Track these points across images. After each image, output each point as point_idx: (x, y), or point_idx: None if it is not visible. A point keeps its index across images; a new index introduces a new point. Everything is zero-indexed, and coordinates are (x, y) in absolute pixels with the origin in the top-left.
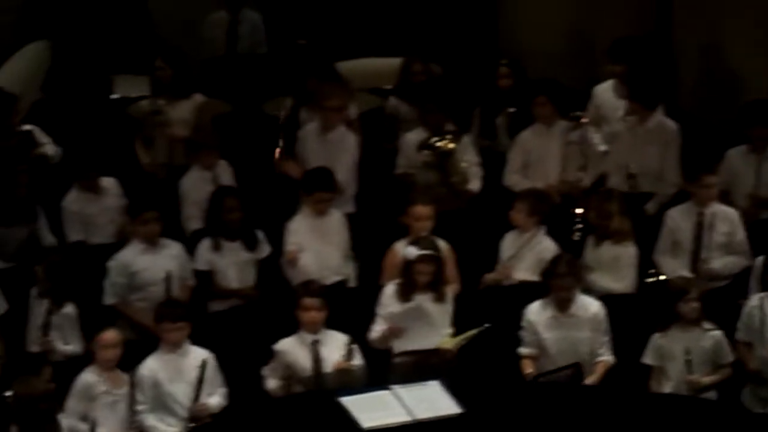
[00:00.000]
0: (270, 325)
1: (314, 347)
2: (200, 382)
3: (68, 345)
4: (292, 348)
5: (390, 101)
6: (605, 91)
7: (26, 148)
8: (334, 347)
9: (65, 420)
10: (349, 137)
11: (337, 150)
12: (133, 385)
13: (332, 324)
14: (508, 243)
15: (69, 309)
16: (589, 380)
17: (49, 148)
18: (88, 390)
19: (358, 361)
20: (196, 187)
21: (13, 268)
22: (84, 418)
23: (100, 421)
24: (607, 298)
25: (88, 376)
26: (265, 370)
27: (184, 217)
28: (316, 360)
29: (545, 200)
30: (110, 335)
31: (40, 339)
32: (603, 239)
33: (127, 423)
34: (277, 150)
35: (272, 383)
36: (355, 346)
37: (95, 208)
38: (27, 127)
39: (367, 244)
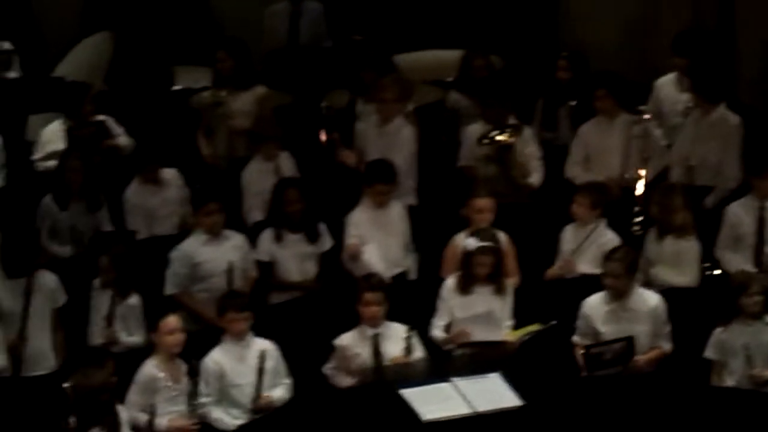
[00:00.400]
0: (330, 318)
1: (375, 341)
2: (261, 373)
3: (132, 336)
4: (353, 342)
5: (451, 96)
6: (666, 85)
7: (99, 138)
8: (395, 340)
9: (125, 412)
10: (406, 129)
11: (395, 142)
12: (192, 377)
13: (393, 316)
14: (569, 236)
15: (133, 300)
16: (639, 358)
17: (122, 139)
18: (150, 383)
19: (418, 353)
20: (257, 178)
21: (73, 258)
22: (145, 410)
23: (159, 412)
24: (668, 292)
25: (150, 369)
26: (327, 368)
27: (246, 208)
28: (377, 353)
29: (606, 193)
30: (172, 321)
31: (103, 330)
32: (665, 233)
33: (186, 415)
34: (323, 137)
35: (337, 378)
36: (415, 339)
37: (157, 199)
38: (101, 117)
39: (428, 237)
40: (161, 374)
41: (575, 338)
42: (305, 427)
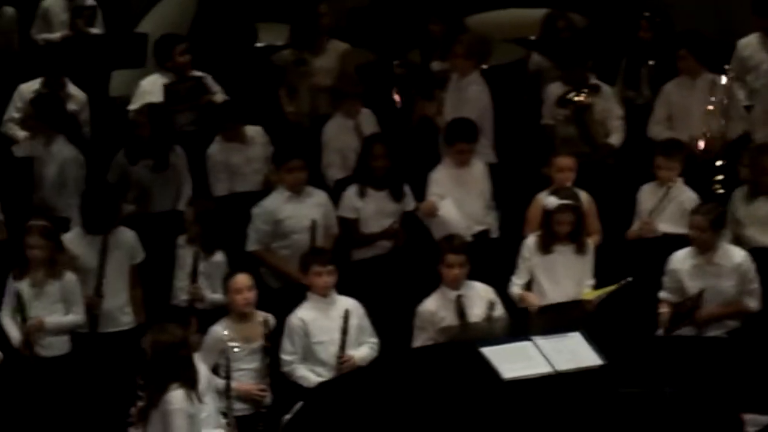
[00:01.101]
0: (411, 279)
1: (458, 302)
2: (344, 333)
3: (216, 293)
4: (436, 307)
5: (533, 58)
6: (750, 45)
7: (196, 94)
8: (477, 300)
9: (204, 369)
10: (477, 87)
11: (468, 99)
12: (269, 337)
13: (475, 274)
14: (646, 195)
15: (218, 257)
16: (704, 310)
17: (219, 96)
18: (216, 344)
19: (499, 312)
20: (337, 135)
21: (153, 216)
22: (215, 369)
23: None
24: (759, 252)
25: (217, 329)
26: (416, 339)
27: (325, 164)
28: (461, 314)
29: (685, 151)
30: (241, 279)
31: (188, 287)
32: (757, 195)
33: (260, 375)
34: (396, 97)
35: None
36: (496, 298)
37: (241, 157)
38: (198, 73)
39: (511, 195)
40: (228, 334)
41: (662, 294)
42: (386, 386)
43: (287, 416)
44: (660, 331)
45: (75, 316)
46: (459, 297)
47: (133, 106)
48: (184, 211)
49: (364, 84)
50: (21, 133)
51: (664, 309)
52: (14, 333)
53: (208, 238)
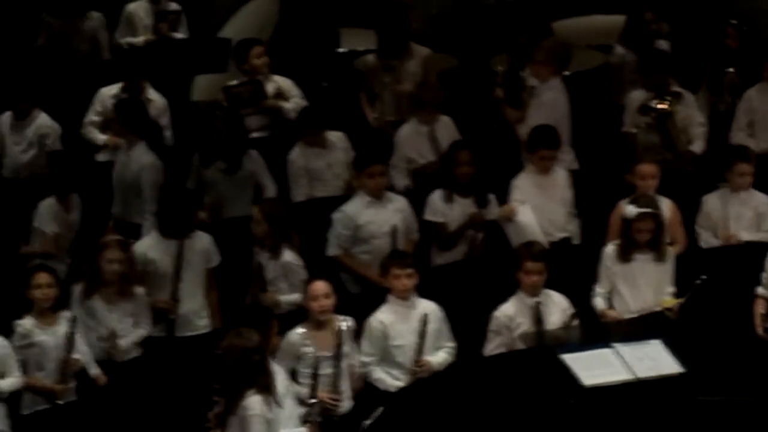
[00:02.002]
0: (489, 284)
1: (536, 308)
2: (421, 337)
3: (292, 294)
4: (512, 310)
5: (616, 50)
6: None
7: (258, 98)
8: (554, 308)
9: (282, 374)
10: (555, 93)
11: (548, 105)
12: (338, 345)
13: (557, 281)
14: (715, 204)
15: (287, 256)
16: None
17: (293, 102)
18: (291, 349)
19: (575, 321)
20: (410, 139)
21: (227, 220)
22: (292, 374)
23: (301, 381)
24: None
25: (293, 335)
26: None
27: (391, 166)
28: (538, 321)
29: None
30: (319, 286)
31: (261, 293)
32: None
33: (333, 383)
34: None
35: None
36: (572, 308)
37: (322, 162)
38: (280, 78)
39: (594, 202)
40: (304, 340)
41: (759, 290)
42: (467, 392)
43: (367, 421)
44: (759, 330)
45: (144, 330)
46: (537, 303)
47: None
48: (252, 212)
49: (447, 90)
50: (100, 137)
51: (760, 306)
52: (93, 366)
53: (276, 240)
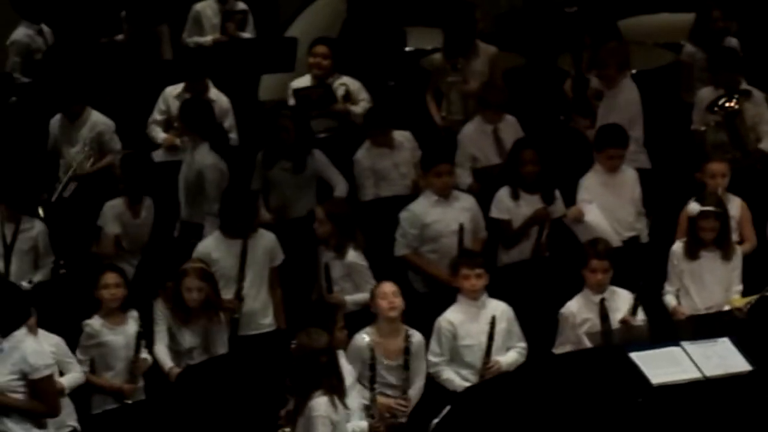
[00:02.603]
0: (556, 282)
1: (602, 306)
2: (490, 338)
3: (359, 293)
4: (579, 309)
5: (686, 48)
6: None
7: (327, 102)
8: (620, 305)
9: (351, 376)
10: (626, 93)
11: (621, 106)
12: (406, 352)
13: (625, 278)
14: None
15: (352, 256)
16: None
17: (361, 105)
18: (357, 353)
19: (641, 316)
20: (473, 137)
21: (292, 220)
22: (359, 378)
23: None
24: None
25: (360, 339)
26: (557, 341)
27: (455, 164)
28: (604, 318)
29: None
30: (388, 286)
31: (327, 294)
32: None
33: (399, 390)
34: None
35: (561, 349)
36: (639, 305)
37: (388, 162)
38: (344, 79)
39: (665, 200)
40: (370, 349)
41: None
42: (534, 391)
43: (435, 420)
44: None
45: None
46: (602, 301)
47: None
48: (315, 211)
49: (513, 88)
50: (162, 135)
51: None
52: (168, 363)
53: (341, 240)
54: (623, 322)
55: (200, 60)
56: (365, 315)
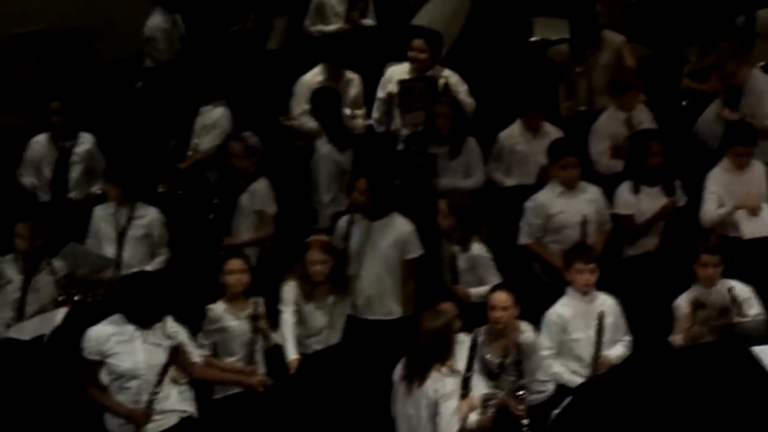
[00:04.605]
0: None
1: (718, 299)
2: (599, 334)
3: (483, 286)
4: (689, 301)
5: None
6: None
7: (429, 96)
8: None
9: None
10: (759, 86)
11: (753, 99)
12: (520, 350)
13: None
14: None
15: (476, 249)
16: None
17: (463, 95)
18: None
19: (755, 309)
20: (608, 125)
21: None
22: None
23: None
24: None
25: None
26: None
27: (594, 153)
28: (721, 312)
29: None
30: (500, 297)
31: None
32: None
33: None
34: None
35: (676, 339)
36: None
37: (528, 148)
38: (445, 72)
39: None
40: (483, 347)
41: None
42: (654, 384)
43: (555, 411)
44: None
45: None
46: (717, 294)
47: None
48: (438, 204)
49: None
50: (313, 124)
51: None
52: (291, 351)
53: (465, 232)
54: (743, 315)
55: (329, 47)
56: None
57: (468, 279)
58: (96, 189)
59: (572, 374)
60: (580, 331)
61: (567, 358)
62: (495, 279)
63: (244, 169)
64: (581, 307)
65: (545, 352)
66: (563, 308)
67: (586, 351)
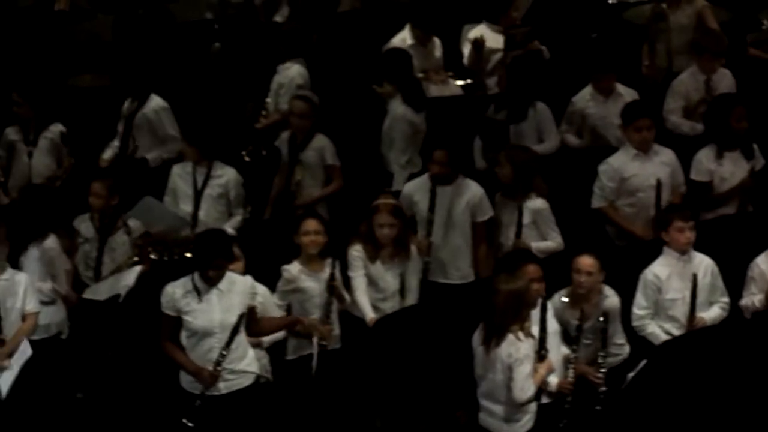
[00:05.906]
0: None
1: None
2: (693, 295)
3: (544, 241)
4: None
5: None
6: None
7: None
8: None
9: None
10: None
11: None
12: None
13: None
14: None
15: (538, 203)
16: None
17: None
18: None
19: None
20: (686, 85)
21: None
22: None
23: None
24: None
25: (556, 303)
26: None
27: (667, 110)
28: None
29: None
30: (585, 261)
31: (513, 242)
32: None
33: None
34: None
35: (746, 301)
36: None
37: (600, 111)
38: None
39: None
40: (564, 310)
41: None
42: (735, 348)
43: (631, 374)
44: None
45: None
46: None
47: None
48: (498, 156)
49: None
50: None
51: None
52: (368, 310)
53: (518, 185)
54: None
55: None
56: None
57: (529, 234)
58: (164, 153)
59: (667, 335)
60: (676, 292)
61: (662, 318)
62: (555, 234)
63: (302, 127)
64: (678, 267)
65: (641, 312)
66: (660, 268)
67: (681, 312)
